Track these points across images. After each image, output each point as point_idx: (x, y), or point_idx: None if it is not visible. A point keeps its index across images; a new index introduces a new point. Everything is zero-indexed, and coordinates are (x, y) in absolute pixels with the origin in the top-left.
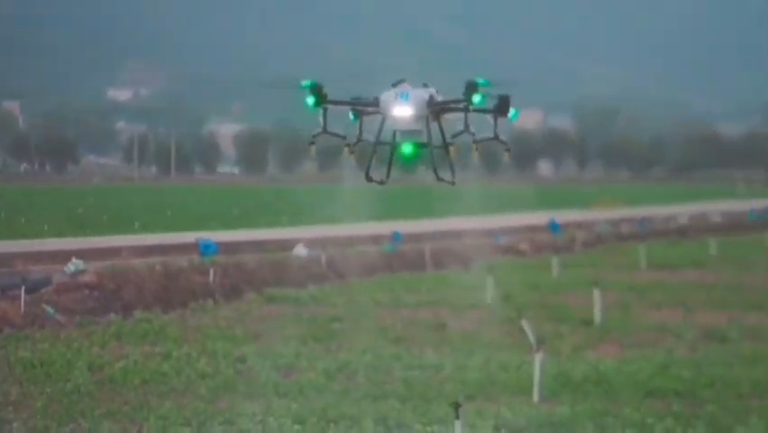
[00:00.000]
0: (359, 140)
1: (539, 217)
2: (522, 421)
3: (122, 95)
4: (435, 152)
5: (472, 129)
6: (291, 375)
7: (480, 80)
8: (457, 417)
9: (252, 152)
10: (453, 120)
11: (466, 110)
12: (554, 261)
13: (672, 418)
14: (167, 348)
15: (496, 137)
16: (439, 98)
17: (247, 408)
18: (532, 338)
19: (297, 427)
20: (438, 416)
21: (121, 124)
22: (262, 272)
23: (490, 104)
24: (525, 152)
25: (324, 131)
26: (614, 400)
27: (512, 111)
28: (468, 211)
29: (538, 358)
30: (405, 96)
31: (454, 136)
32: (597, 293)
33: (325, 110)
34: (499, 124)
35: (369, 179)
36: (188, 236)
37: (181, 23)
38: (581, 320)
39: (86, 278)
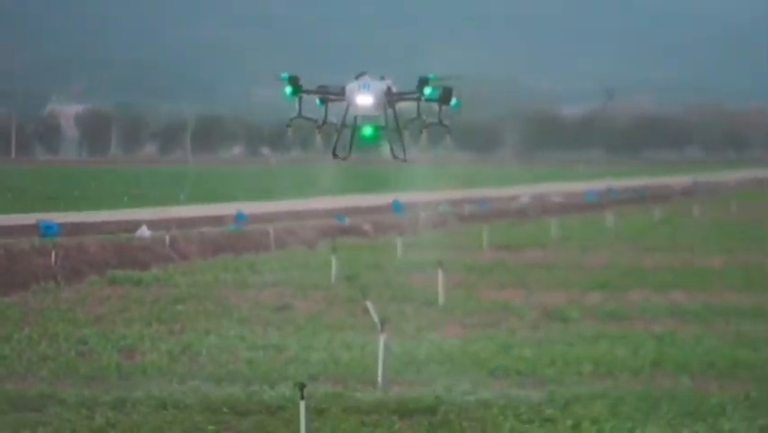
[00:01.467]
0: (324, 122)
1: (383, 198)
2: (366, 400)
3: None
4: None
5: (424, 117)
6: (134, 357)
7: (431, 76)
8: (302, 397)
9: (94, 133)
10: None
11: (418, 100)
12: (398, 241)
13: (521, 397)
14: (7, 331)
15: (440, 122)
16: (394, 89)
17: (89, 390)
18: (376, 318)
19: (138, 409)
20: (283, 396)
21: None
22: (105, 254)
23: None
24: None
25: (299, 116)
26: (457, 379)
27: (454, 101)
28: (314, 192)
29: (382, 338)
30: (367, 87)
31: (409, 121)
32: (440, 273)
33: (300, 98)
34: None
35: (335, 156)
36: (29, 218)
37: (19, 1)
38: (425, 300)
39: None
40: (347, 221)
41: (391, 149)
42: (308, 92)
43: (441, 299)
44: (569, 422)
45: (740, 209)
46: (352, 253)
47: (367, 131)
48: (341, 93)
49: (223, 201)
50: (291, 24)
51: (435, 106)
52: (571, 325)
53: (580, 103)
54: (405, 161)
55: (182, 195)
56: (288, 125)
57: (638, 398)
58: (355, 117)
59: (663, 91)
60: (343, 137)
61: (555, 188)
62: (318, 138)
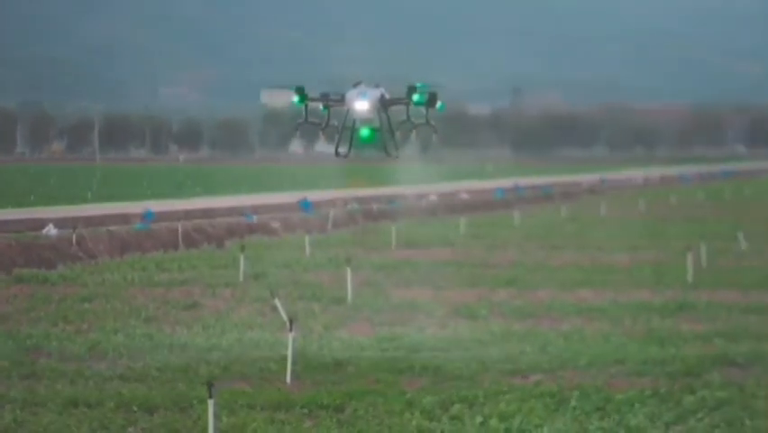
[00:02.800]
0: (327, 125)
1: (291, 196)
2: (274, 398)
3: None
4: (385, 135)
5: (413, 119)
6: (41, 356)
7: (419, 84)
8: (210, 395)
9: None
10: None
11: (407, 105)
12: (306, 239)
13: (428, 394)
14: None
15: (427, 122)
16: (387, 95)
17: None
18: (284, 317)
19: (47, 407)
20: (192, 395)
21: None
22: (10, 252)
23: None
24: (279, 131)
25: (306, 120)
26: (366, 376)
27: (439, 104)
28: (221, 191)
29: (290, 337)
30: (364, 95)
31: (400, 123)
32: (349, 272)
33: (307, 105)
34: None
35: (337, 154)
36: None
37: None
38: (333, 299)
39: None
40: (255, 219)
41: (384, 147)
42: (313, 99)
43: (349, 298)
44: (477, 419)
45: (647, 207)
46: (260, 251)
47: (364, 132)
48: (341, 99)
49: (130, 199)
50: (199, 25)
51: (422, 110)
52: (480, 322)
53: (488, 101)
54: (397, 158)
55: (89, 193)
56: (296, 128)
57: (546, 394)
58: (354, 120)
59: (572, 89)
60: (344, 138)
61: (464, 187)
62: (321, 137)
